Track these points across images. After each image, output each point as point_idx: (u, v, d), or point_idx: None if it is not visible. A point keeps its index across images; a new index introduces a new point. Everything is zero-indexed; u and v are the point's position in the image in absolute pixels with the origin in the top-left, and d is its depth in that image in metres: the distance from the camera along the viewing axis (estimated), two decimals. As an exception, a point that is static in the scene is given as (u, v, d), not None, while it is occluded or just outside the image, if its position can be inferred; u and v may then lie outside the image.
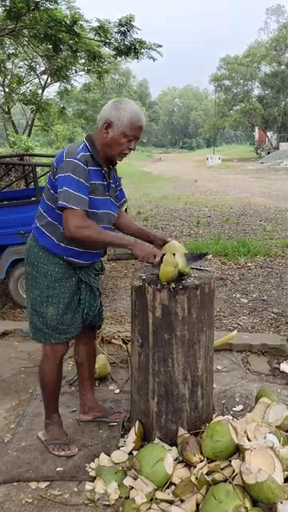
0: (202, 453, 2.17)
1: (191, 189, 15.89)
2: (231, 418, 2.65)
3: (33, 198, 4.70)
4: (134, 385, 2.49)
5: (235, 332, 3.59)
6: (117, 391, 3.04)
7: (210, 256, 6.61)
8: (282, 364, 3.39)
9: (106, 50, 12.30)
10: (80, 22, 10.95)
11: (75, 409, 2.81)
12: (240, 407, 2.84)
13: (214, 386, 3.02)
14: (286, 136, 43.44)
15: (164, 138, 72.96)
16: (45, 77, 16.64)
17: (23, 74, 17.31)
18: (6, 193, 5.99)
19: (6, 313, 4.67)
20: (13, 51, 14.81)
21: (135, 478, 2.13)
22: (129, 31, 10.63)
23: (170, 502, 2.00)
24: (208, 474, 2.05)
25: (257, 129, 47.86)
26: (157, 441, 2.32)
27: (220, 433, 2.13)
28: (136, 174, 21.77)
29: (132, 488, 2.11)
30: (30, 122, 18.95)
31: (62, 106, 16.82)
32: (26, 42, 12.06)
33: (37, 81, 17.41)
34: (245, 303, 4.78)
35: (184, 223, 9.40)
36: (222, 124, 48.31)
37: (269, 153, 40.11)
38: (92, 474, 2.25)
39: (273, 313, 4.48)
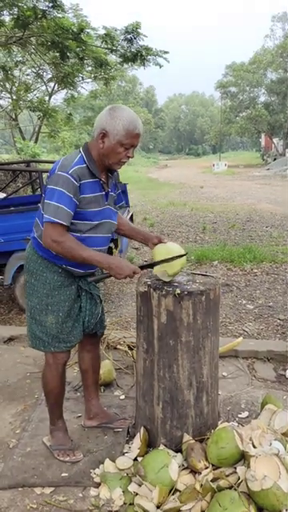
0: (207, 459, 2.17)
1: (197, 195, 15.91)
2: (236, 424, 2.65)
3: (39, 204, 4.72)
4: (139, 391, 2.49)
5: (241, 338, 3.58)
6: (122, 397, 3.04)
7: (215, 262, 6.61)
8: (287, 371, 3.37)
9: (112, 58, 12.40)
10: (87, 30, 11.07)
11: (80, 414, 2.81)
12: (245, 414, 2.83)
13: (220, 393, 3.01)
14: (292, 142, 43.43)
15: (170, 144, 73.17)
16: (52, 84, 16.79)
17: (31, 82, 17.46)
18: (12, 199, 6.03)
19: (13, 318, 4.69)
20: (20, 59, 14.97)
21: (140, 485, 2.13)
22: (135, 38, 10.71)
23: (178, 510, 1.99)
24: (213, 480, 2.04)
25: (263, 135, 47.91)
26: (162, 447, 2.32)
27: (225, 439, 2.12)
28: (142, 181, 21.81)
29: (137, 494, 2.10)
30: (36, 129, 19.10)
31: (68, 112, 16.92)
32: (33, 50, 12.16)
33: (44, 88, 17.56)
34: (251, 309, 4.77)
35: (190, 229, 9.41)
36: (228, 130, 48.38)
37: (275, 159, 40.09)
38: (97, 479, 2.25)
39: (279, 319, 4.47)
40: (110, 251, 4.76)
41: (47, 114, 14.10)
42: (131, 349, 3.56)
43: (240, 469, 2.02)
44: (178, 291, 2.21)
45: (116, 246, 4.72)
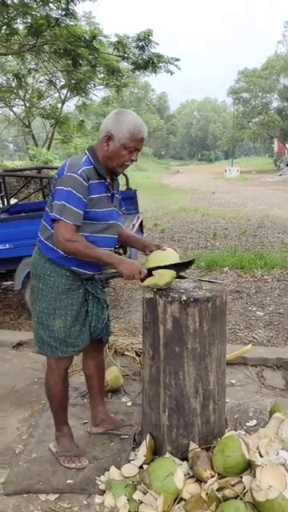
0: (213, 468, 2.14)
1: (209, 201, 15.87)
2: (244, 433, 2.62)
3: (46, 208, 4.76)
4: (145, 398, 2.47)
5: (250, 346, 3.55)
6: (129, 404, 3.03)
7: (226, 268, 6.57)
8: (297, 379, 3.33)
9: (124, 65, 12.48)
10: (99, 38, 11.17)
11: (87, 421, 2.80)
12: (253, 422, 2.79)
13: (228, 401, 2.98)
14: (305, 148, 43.18)
15: (182, 150, 73.23)
16: (65, 91, 16.93)
17: (44, 89, 17.63)
18: (24, 205, 6.07)
19: (22, 323, 4.71)
20: (34, 66, 15.14)
21: (145, 493, 2.11)
22: (147, 46, 10.77)
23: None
24: (219, 490, 2.02)
25: (276, 141, 47.64)
26: (168, 455, 2.30)
27: (231, 448, 2.10)
28: (154, 187, 21.83)
29: (142, 502, 2.09)
30: (49, 136, 19.25)
31: (81, 119, 17.04)
32: (46, 58, 12.29)
33: (57, 95, 17.71)
34: (261, 316, 4.73)
35: (200, 235, 9.37)
36: (241, 136, 48.22)
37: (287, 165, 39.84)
38: (102, 487, 2.24)
39: (289, 326, 4.42)
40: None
41: (59, 121, 14.20)
42: (139, 355, 3.55)
43: (246, 478, 2.00)
44: (183, 298, 2.20)
45: (125, 252, 4.72)
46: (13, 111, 20.14)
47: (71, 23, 10.17)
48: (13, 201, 6.36)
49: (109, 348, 3.57)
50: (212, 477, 2.11)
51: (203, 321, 2.23)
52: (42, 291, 2.29)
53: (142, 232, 6.21)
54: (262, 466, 1.95)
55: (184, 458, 2.31)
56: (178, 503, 2.06)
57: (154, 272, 2.25)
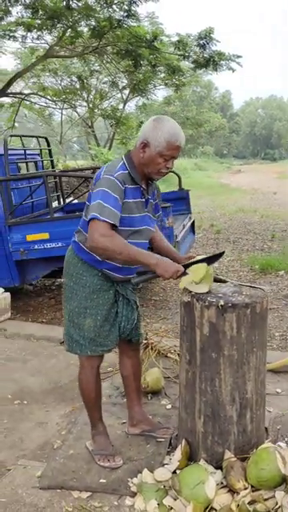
0: (246, 480, 2.08)
1: (269, 201, 15.41)
2: (285, 445, 2.51)
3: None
4: (181, 402, 2.44)
5: (298, 354, 3.41)
6: (168, 406, 3.01)
7: (281, 272, 6.36)
8: None
9: (185, 64, 12.42)
10: (160, 37, 11.18)
11: (125, 421, 2.80)
12: (296, 434, 2.68)
13: (271, 410, 2.89)
14: None
15: (245, 149, 71.66)
16: (127, 91, 17.14)
17: (107, 90, 17.95)
18: (78, 204, 6.22)
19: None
20: (97, 68, 15.45)
21: (175, 499, 2.09)
22: (208, 44, 10.65)
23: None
24: (251, 503, 1.96)
25: None
26: (202, 462, 2.26)
27: (266, 461, 2.02)
28: (213, 186, 21.52)
29: (171, 508, 2.06)
30: (110, 136, 19.57)
31: (140, 120, 17.16)
32: (108, 59, 12.49)
33: (119, 96, 17.96)
34: (314, 323, 4.53)
35: (258, 237, 9.14)
36: (307, 134, 46.54)
37: None
38: (133, 489, 2.23)
39: None
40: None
41: (119, 121, 14.39)
42: (182, 358, 3.51)
43: (279, 493, 1.92)
44: (221, 303, 2.14)
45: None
46: (76, 112, 20.67)
47: (133, 24, 10.28)
48: (68, 200, 6.53)
49: (152, 349, 3.56)
50: (245, 488, 2.04)
51: (241, 327, 2.16)
52: (74, 290, 2.33)
53: (194, 233, 6.15)
54: (297, 482, 1.86)
55: (219, 467, 2.25)
56: (208, 513, 2.02)
57: (187, 270, 2.21)
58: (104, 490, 2.26)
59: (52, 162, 6.91)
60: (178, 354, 3.53)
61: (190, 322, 2.25)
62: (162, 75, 12.83)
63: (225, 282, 2.44)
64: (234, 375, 2.20)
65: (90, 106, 18.16)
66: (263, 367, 2.32)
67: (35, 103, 16.08)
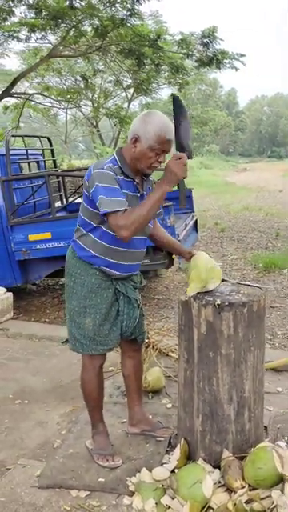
0: (244, 479, 2.07)
1: (274, 200, 15.35)
2: (284, 444, 2.50)
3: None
4: (180, 401, 2.44)
5: (300, 352, 3.39)
6: (169, 406, 3.00)
7: (285, 271, 6.33)
8: None
9: (189, 62, 12.38)
10: (164, 36, 11.16)
11: (125, 420, 2.80)
12: (296, 433, 2.67)
13: (271, 409, 2.88)
14: None
15: (251, 147, 71.35)
16: (131, 90, 17.12)
17: (111, 89, 17.95)
18: (79, 204, 6.21)
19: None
20: (102, 67, 15.45)
21: (173, 498, 2.09)
22: (211, 42, 10.61)
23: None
24: (248, 502, 1.95)
25: None
26: (200, 461, 2.26)
27: (263, 460, 2.02)
28: (218, 185, 21.47)
29: (169, 507, 2.06)
30: (115, 135, 19.58)
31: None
32: (112, 58, 12.49)
33: (124, 95, 17.96)
34: None
35: (262, 235, 9.11)
36: (313, 132, 46.28)
37: None
38: (132, 488, 2.24)
39: None
40: (170, 257, 4.74)
41: (123, 121, 14.39)
42: (183, 357, 3.50)
43: (275, 493, 1.91)
44: (218, 302, 2.14)
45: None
46: (81, 111, 20.70)
47: (136, 23, 10.27)
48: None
49: (153, 348, 3.56)
50: (242, 487, 2.03)
51: (238, 326, 2.16)
52: (73, 289, 2.35)
53: (197, 231, 6.14)
54: (293, 481, 1.85)
55: (217, 466, 2.25)
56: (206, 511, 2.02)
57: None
58: (102, 489, 2.26)
59: (55, 161, 6.92)
60: (179, 353, 3.53)
61: (188, 321, 2.25)
62: (166, 74, 12.82)
63: (223, 280, 2.44)
64: (231, 374, 2.20)
65: (95, 105, 18.18)
66: (261, 366, 2.31)
67: (40, 103, 16.11)
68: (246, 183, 22.18)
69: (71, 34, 10.60)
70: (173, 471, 2.27)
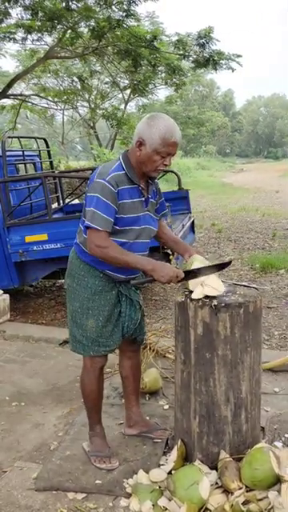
0: (241, 480, 2.07)
1: (271, 200, 15.37)
2: (281, 444, 2.50)
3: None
4: (177, 403, 2.44)
5: (296, 353, 3.39)
6: (166, 407, 3.00)
7: (282, 271, 6.34)
8: None
9: (185, 63, 12.39)
10: (160, 37, 11.17)
11: (122, 422, 2.80)
12: (293, 434, 2.67)
13: (268, 410, 2.89)
14: None
15: (248, 147, 71.40)
16: (128, 91, 17.11)
17: (108, 90, 17.94)
18: (78, 205, 6.22)
19: (71, 321, 4.80)
20: (99, 68, 15.45)
21: (170, 500, 2.08)
22: (207, 43, 10.63)
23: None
24: (245, 503, 1.95)
25: None
26: (197, 462, 2.25)
27: (260, 461, 2.02)
28: (215, 186, 21.50)
29: (166, 509, 2.06)
30: (112, 136, 19.56)
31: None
32: (109, 59, 12.49)
33: (121, 96, 17.95)
34: (314, 322, 4.51)
35: (259, 235, 9.12)
36: (310, 132, 46.38)
37: None
38: (129, 490, 2.23)
39: None
40: (167, 258, 4.74)
41: (120, 122, 14.38)
42: (181, 358, 3.50)
43: (272, 494, 1.91)
44: (214, 303, 2.14)
45: (173, 253, 4.69)
46: (78, 113, 20.67)
47: (133, 24, 10.27)
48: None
49: (150, 349, 3.55)
50: (239, 489, 2.03)
51: (235, 327, 2.16)
52: (76, 291, 2.34)
53: (194, 232, 6.14)
54: (290, 482, 1.85)
55: (214, 467, 2.24)
56: (203, 513, 2.01)
57: (190, 281, 2.23)
58: (99, 491, 2.25)
59: (51, 163, 6.91)
60: (176, 354, 3.53)
61: (184, 322, 2.25)
62: (163, 75, 12.83)
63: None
64: (228, 375, 2.20)
65: (92, 106, 18.16)
66: (258, 367, 2.31)
67: (36, 105, 16.09)
68: (242, 184, 22.21)
69: (68, 35, 10.61)
70: (170, 473, 2.27)
